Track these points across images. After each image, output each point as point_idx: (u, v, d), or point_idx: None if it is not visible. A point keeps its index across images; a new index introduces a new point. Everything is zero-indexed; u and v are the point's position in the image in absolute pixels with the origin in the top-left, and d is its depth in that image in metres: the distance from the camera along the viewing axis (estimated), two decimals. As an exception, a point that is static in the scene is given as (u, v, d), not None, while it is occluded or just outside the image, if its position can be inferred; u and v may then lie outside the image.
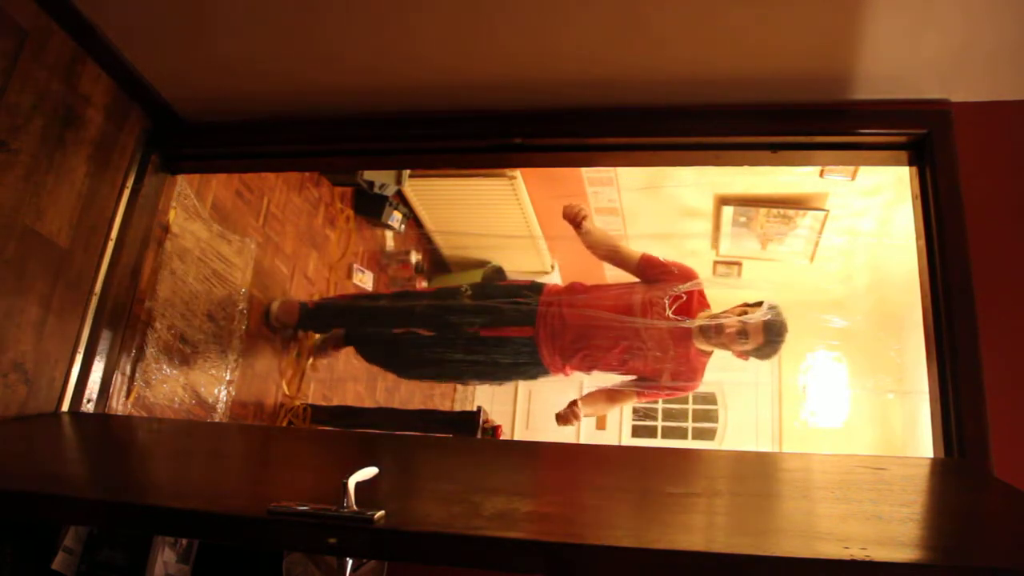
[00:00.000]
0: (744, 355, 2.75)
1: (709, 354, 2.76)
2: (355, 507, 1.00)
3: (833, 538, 1.07)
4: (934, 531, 1.20)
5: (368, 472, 1.05)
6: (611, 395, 3.03)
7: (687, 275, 2.82)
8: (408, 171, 3.67)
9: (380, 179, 3.65)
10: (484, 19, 1.71)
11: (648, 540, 1.03)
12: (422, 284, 4.43)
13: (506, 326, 2.80)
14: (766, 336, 2.70)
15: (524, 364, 2.82)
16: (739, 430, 5.02)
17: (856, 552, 0.91)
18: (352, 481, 1.02)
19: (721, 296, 4.66)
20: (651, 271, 2.81)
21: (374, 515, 1.00)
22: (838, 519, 1.23)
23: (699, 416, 5.18)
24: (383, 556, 1.26)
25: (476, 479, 1.48)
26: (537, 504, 1.27)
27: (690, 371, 2.79)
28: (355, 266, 3.75)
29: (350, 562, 1.33)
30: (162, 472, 1.56)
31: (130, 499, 1.22)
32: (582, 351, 2.74)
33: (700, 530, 1.16)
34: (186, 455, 1.69)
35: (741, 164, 2.01)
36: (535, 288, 2.90)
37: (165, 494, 1.36)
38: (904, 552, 1.01)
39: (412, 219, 4.17)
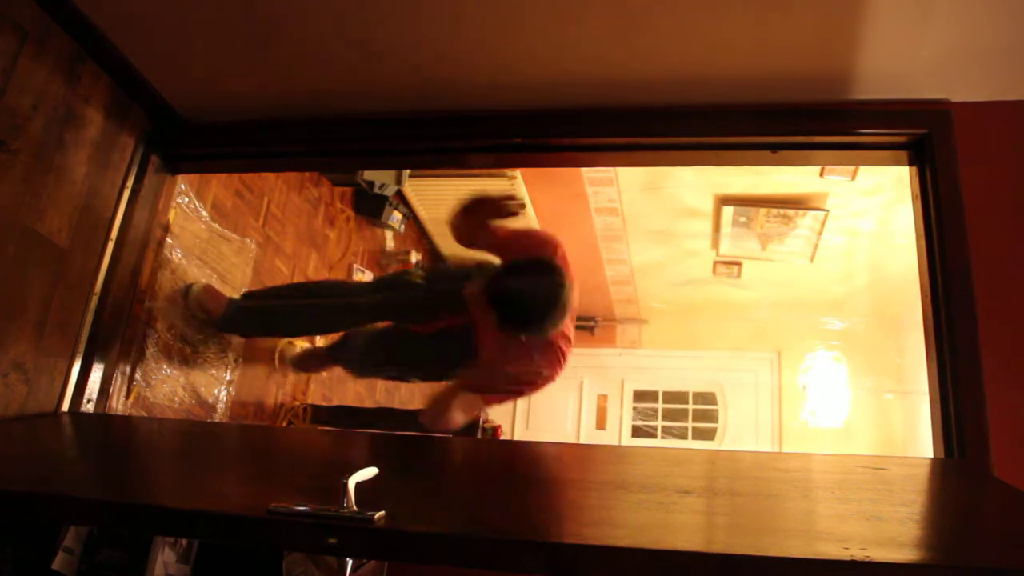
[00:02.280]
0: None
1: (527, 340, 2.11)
2: (355, 507, 1.00)
3: (833, 538, 1.07)
4: (934, 531, 1.20)
5: (368, 472, 1.05)
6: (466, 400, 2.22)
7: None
8: (408, 171, 3.67)
9: (380, 179, 3.65)
10: (484, 20, 1.71)
11: (648, 540, 1.03)
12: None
13: (448, 315, 2.30)
14: (496, 309, 2.00)
15: (467, 354, 2.25)
16: (739, 430, 5.02)
17: (856, 552, 0.91)
18: (352, 481, 1.02)
19: (721, 294, 4.67)
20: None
21: (374, 515, 0.99)
22: (838, 519, 1.23)
23: (699, 416, 5.18)
24: (383, 556, 1.26)
25: (476, 479, 1.48)
26: (536, 504, 1.27)
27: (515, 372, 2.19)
28: (355, 266, 3.75)
29: (350, 562, 1.33)
30: (162, 472, 1.56)
31: (130, 499, 1.22)
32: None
33: (700, 530, 1.16)
34: (186, 455, 1.69)
35: (741, 164, 2.01)
36: (482, 269, 2.24)
37: (165, 494, 1.36)
38: (904, 552, 1.01)
39: (412, 219, 4.17)
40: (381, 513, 1.00)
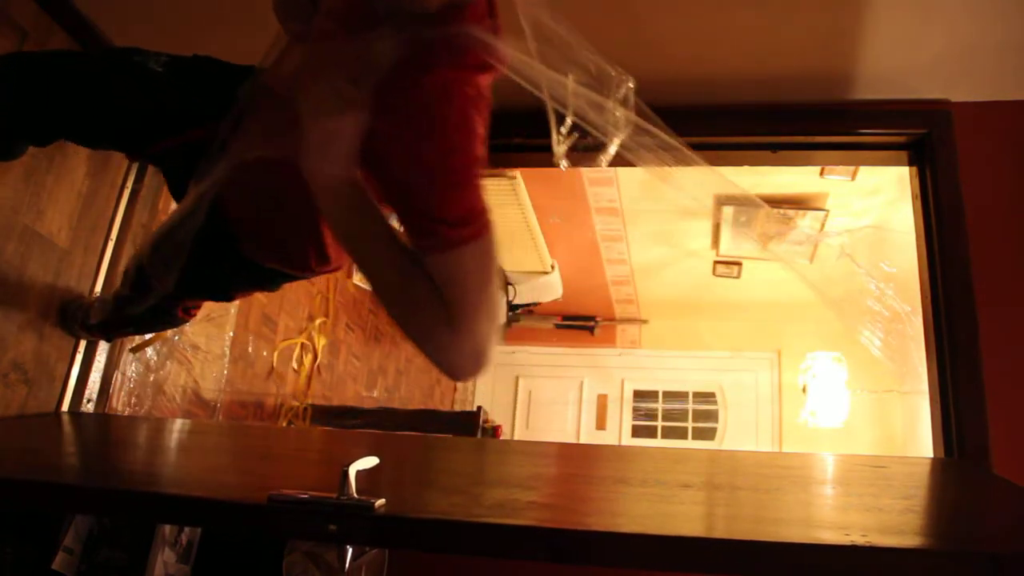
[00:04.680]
0: None
1: None
2: (356, 495, 1.01)
3: (834, 526, 1.08)
4: (934, 521, 1.21)
5: (369, 461, 1.05)
6: None
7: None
8: (408, 171, 3.66)
9: (380, 179, 3.64)
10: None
11: (650, 527, 1.03)
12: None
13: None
14: None
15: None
16: (739, 430, 5.03)
17: (857, 538, 0.91)
18: (353, 469, 1.02)
19: (721, 295, 4.67)
20: None
21: (375, 503, 1.00)
22: (839, 510, 1.24)
23: (699, 416, 5.19)
24: (384, 544, 1.26)
25: (476, 473, 1.49)
26: (538, 495, 1.27)
27: None
28: (356, 266, 3.75)
29: (350, 551, 1.33)
30: (163, 465, 1.57)
31: (132, 487, 1.23)
32: None
33: (701, 519, 1.16)
34: (187, 451, 1.70)
35: (741, 164, 2.01)
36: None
37: (166, 484, 1.37)
38: (905, 539, 1.02)
39: (412, 219, 4.15)
40: (382, 501, 1.01)
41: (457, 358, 0.89)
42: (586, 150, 0.96)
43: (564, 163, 0.95)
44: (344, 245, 0.97)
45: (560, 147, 0.96)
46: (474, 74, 0.91)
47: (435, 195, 0.88)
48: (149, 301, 1.47)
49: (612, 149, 0.97)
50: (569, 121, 0.93)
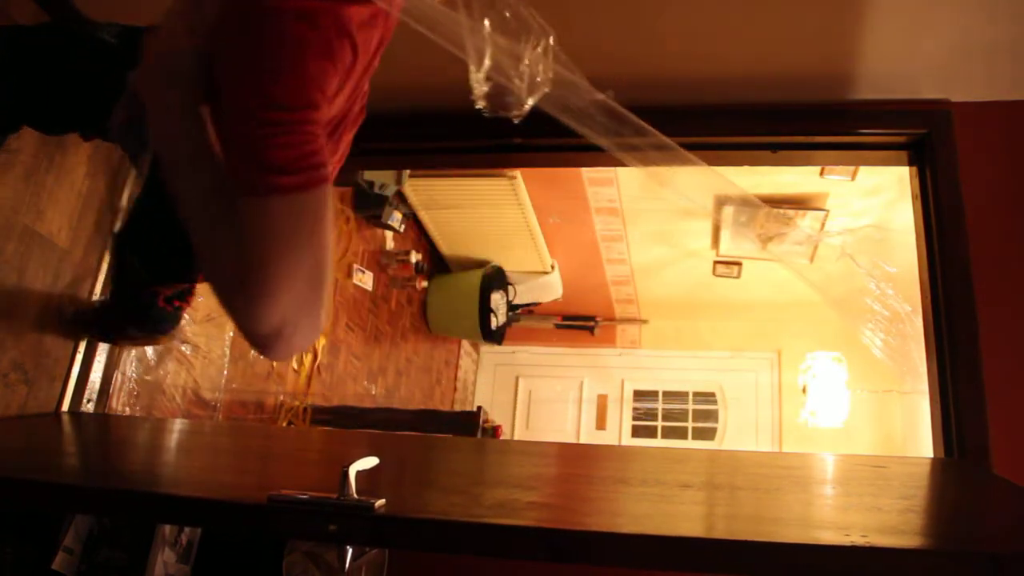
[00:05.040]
0: None
1: None
2: (356, 495, 1.01)
3: (834, 526, 1.08)
4: (934, 521, 1.21)
5: (369, 461, 1.05)
6: None
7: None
8: (408, 171, 3.67)
9: (380, 179, 3.65)
10: (484, 19, 1.71)
11: (649, 527, 1.03)
12: (422, 284, 4.43)
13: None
14: None
15: None
16: (739, 430, 5.03)
17: (857, 539, 0.92)
18: (353, 469, 1.02)
19: (721, 295, 4.67)
20: None
21: (375, 503, 1.00)
22: (838, 510, 1.24)
23: (699, 416, 5.19)
24: (384, 544, 1.26)
25: (476, 473, 1.49)
26: (538, 496, 1.27)
27: None
28: (355, 266, 3.75)
29: (350, 552, 1.33)
30: (163, 465, 1.57)
31: (132, 487, 1.23)
32: None
33: (700, 519, 1.17)
34: (187, 451, 1.70)
35: (741, 164, 2.01)
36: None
37: (166, 484, 1.37)
38: (905, 539, 1.02)
39: (412, 219, 4.17)
40: (382, 501, 1.01)
41: (255, 328, 0.78)
42: (506, 100, 0.93)
43: (482, 103, 0.92)
44: (167, 177, 0.87)
45: (479, 88, 0.89)
46: (333, 5, 0.81)
47: (256, 132, 0.77)
48: (125, 279, 1.50)
49: (530, 102, 0.94)
50: (487, 63, 0.89)
